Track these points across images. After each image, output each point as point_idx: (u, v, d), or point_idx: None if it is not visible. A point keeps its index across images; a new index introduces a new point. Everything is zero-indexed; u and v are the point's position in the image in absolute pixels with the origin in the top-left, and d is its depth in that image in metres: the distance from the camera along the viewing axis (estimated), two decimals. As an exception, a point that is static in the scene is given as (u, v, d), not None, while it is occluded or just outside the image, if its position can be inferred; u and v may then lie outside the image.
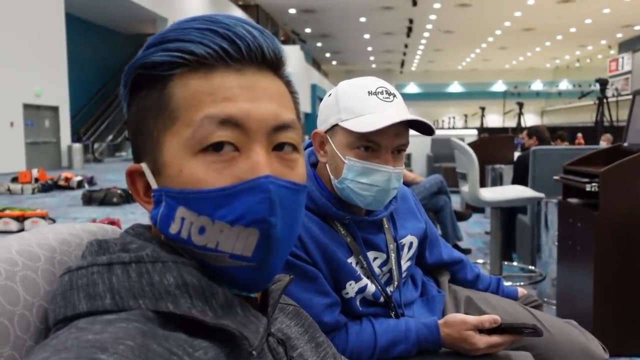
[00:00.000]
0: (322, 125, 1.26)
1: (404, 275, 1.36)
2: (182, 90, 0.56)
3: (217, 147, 0.54)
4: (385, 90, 1.22)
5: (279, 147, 0.58)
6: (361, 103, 1.20)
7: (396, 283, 1.32)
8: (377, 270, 1.29)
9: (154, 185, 0.58)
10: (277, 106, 0.58)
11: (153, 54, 0.57)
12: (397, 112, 1.19)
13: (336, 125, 1.22)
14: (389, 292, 1.30)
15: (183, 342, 0.51)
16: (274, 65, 0.60)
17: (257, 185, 0.53)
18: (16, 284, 0.55)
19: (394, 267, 1.31)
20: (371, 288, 1.26)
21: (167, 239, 0.59)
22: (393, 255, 1.31)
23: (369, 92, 1.21)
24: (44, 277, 0.59)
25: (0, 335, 0.52)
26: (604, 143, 8.53)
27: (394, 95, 1.23)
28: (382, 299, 1.28)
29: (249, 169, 0.54)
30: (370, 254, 1.29)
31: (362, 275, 1.25)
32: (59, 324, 0.52)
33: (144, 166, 0.59)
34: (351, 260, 1.25)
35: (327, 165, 1.26)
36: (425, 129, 1.21)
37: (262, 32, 0.58)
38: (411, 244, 1.39)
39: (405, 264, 1.36)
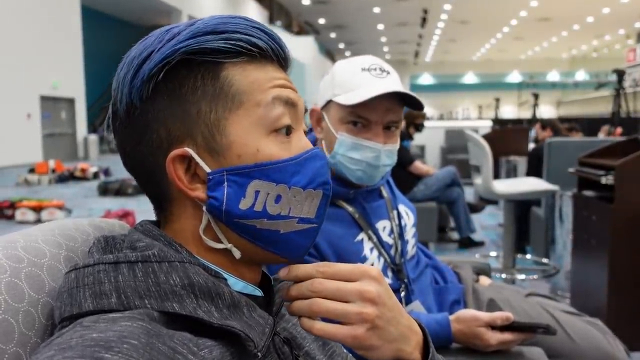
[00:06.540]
0: (320, 103, 1.29)
1: (411, 248, 1.36)
2: (242, 77, 0.59)
3: (287, 130, 0.61)
4: (379, 67, 1.24)
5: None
6: (354, 79, 1.22)
7: (401, 252, 1.32)
8: (387, 239, 1.30)
9: (207, 168, 0.58)
10: None
11: (211, 41, 0.57)
12: (389, 87, 1.19)
13: (330, 101, 1.24)
14: (396, 261, 1.30)
15: (188, 341, 0.51)
16: (287, 65, 0.66)
17: (317, 154, 0.64)
18: (21, 280, 0.55)
19: (397, 234, 1.32)
20: (378, 266, 1.26)
21: (230, 219, 0.58)
22: (395, 224, 1.33)
23: (362, 68, 1.23)
24: (49, 274, 0.59)
25: (5, 332, 0.52)
26: (601, 135, 8.33)
27: (388, 72, 1.24)
28: (389, 274, 1.29)
29: (302, 146, 0.63)
30: (380, 224, 1.30)
31: (369, 253, 1.26)
32: (64, 322, 0.52)
33: (190, 151, 0.58)
34: (361, 236, 1.26)
35: (322, 141, 1.28)
36: (417, 103, 1.22)
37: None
38: (407, 213, 1.40)
39: (410, 231, 1.37)
